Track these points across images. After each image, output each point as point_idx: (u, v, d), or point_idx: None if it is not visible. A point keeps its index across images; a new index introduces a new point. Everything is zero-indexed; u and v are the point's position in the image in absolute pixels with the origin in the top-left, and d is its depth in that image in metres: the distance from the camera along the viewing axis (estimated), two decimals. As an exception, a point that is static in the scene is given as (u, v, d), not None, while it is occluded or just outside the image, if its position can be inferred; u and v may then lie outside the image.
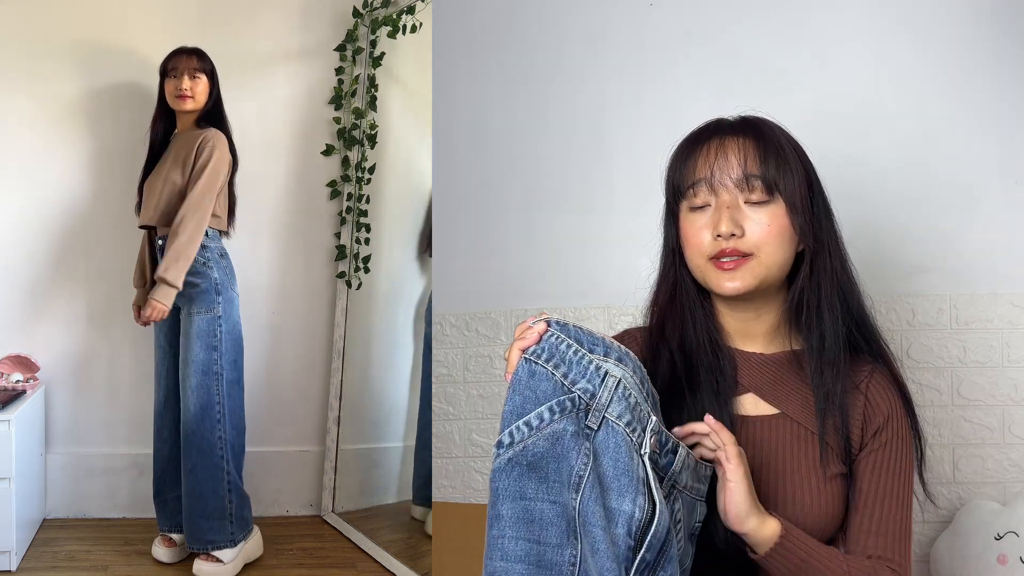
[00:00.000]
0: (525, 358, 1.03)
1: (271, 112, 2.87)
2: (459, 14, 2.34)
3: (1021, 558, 1.90)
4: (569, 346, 1.03)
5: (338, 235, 2.97)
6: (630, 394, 1.01)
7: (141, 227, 2.53)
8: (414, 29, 2.68)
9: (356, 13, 2.89)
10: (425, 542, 2.61)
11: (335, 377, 2.96)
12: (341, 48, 2.92)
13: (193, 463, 2.43)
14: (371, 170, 2.90)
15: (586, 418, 1.01)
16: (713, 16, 2.16)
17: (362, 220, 2.91)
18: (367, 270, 2.93)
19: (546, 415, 1.01)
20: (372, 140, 2.90)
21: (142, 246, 2.57)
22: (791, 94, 2.07)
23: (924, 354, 2.05)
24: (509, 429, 1.02)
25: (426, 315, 2.78)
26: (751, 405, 1.22)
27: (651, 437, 1.01)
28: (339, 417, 2.96)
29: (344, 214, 2.95)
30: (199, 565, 2.42)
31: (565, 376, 1.02)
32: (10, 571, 2.40)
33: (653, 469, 1.00)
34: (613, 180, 2.19)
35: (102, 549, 2.61)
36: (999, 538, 1.92)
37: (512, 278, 2.27)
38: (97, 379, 2.88)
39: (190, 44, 2.67)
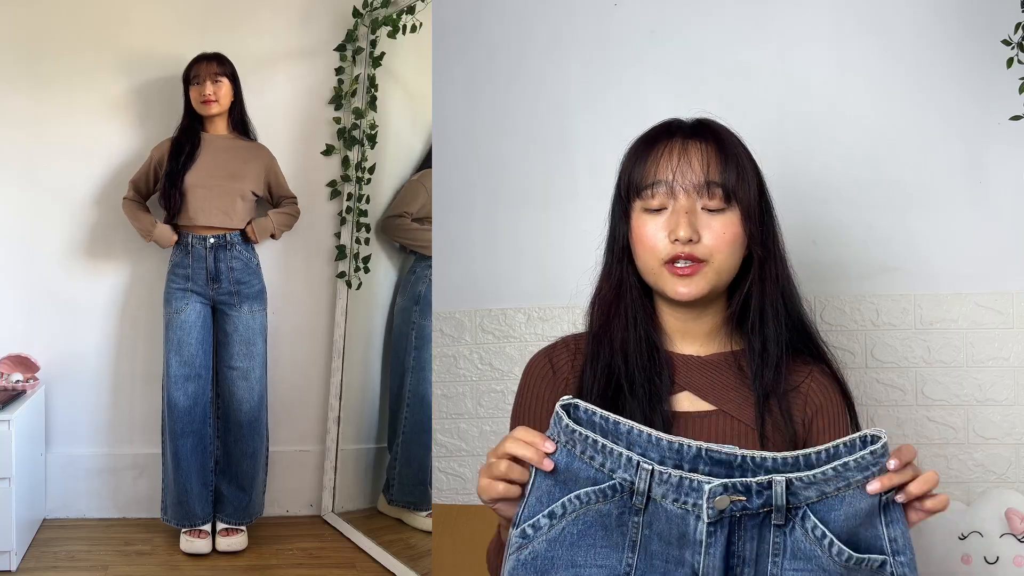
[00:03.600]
0: (562, 446, 1.06)
1: (271, 112, 2.87)
2: (459, 14, 2.34)
3: (985, 558, 1.91)
4: (595, 442, 1.05)
5: (338, 235, 2.97)
6: (667, 476, 1.02)
7: (183, 226, 2.65)
8: (414, 29, 2.68)
9: (356, 13, 2.89)
10: (425, 540, 2.61)
11: (335, 377, 2.96)
12: (341, 48, 2.92)
13: (255, 448, 2.73)
14: (371, 170, 2.90)
15: (631, 499, 1.04)
16: (677, 15, 2.17)
17: (362, 220, 2.91)
18: (367, 270, 2.93)
19: (593, 496, 1.05)
20: (372, 140, 2.90)
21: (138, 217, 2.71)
22: (756, 93, 2.09)
23: (888, 354, 2.06)
24: (562, 500, 1.06)
25: (403, 312, 2.81)
26: (687, 402, 1.23)
27: (712, 501, 1.01)
28: (339, 417, 2.96)
29: (344, 214, 2.95)
30: (229, 540, 2.64)
31: (603, 466, 1.05)
32: (10, 571, 2.40)
33: (727, 520, 1.02)
34: (577, 179, 2.20)
35: (102, 549, 2.61)
36: (963, 538, 1.94)
37: (498, 277, 2.28)
38: (97, 379, 2.88)
39: (190, 44, 2.69)
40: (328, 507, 2.97)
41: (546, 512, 1.06)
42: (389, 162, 2.93)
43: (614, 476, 1.04)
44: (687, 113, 1.26)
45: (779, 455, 1.03)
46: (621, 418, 1.05)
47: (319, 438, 3.01)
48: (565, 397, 1.07)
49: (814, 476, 1.02)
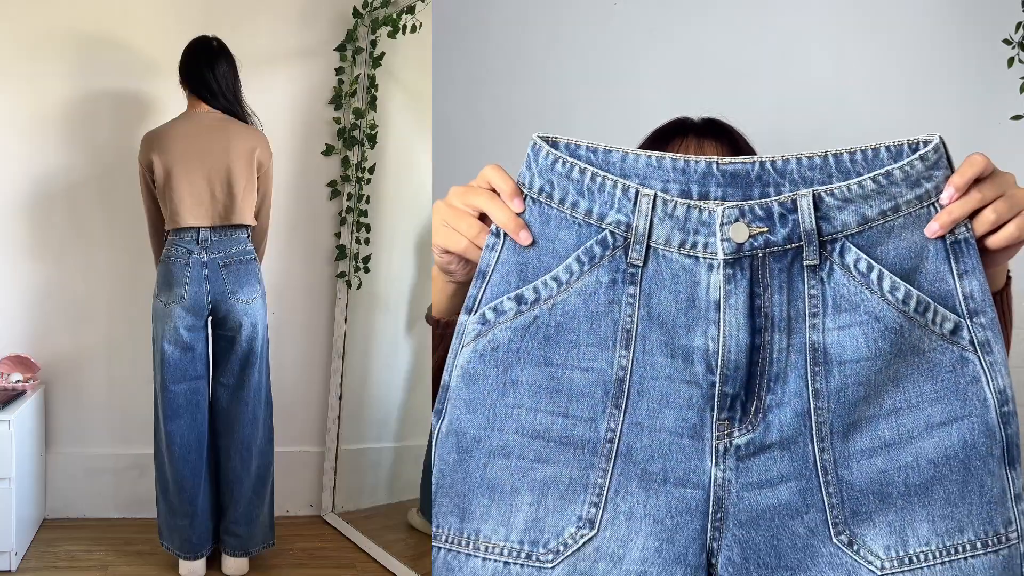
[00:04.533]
0: (531, 198, 0.86)
1: (271, 112, 2.86)
2: (459, 14, 2.34)
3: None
4: (583, 171, 0.85)
5: (338, 235, 2.97)
6: (673, 205, 0.82)
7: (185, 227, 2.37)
8: (414, 29, 2.67)
9: (356, 13, 2.89)
10: (424, 540, 2.60)
11: (335, 377, 2.96)
12: (341, 48, 2.92)
13: (270, 459, 2.53)
14: (371, 170, 2.90)
15: (626, 257, 0.84)
16: (677, 15, 2.18)
17: (362, 220, 2.91)
18: (367, 270, 2.93)
19: (575, 267, 0.85)
20: (372, 140, 2.90)
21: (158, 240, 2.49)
22: (756, 93, 2.10)
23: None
24: (534, 284, 0.85)
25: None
26: None
27: (727, 230, 0.80)
28: (339, 417, 2.96)
29: (344, 214, 2.95)
30: (239, 561, 2.45)
31: (588, 213, 0.85)
32: (10, 571, 2.40)
33: (760, 255, 0.81)
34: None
35: (102, 549, 2.61)
36: None
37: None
38: (97, 379, 2.87)
39: (190, 44, 2.68)
40: (328, 507, 2.97)
41: (513, 294, 0.86)
42: (389, 162, 2.93)
43: (604, 225, 0.84)
44: (689, 112, 1.27)
45: (804, 155, 0.83)
46: (613, 145, 0.87)
47: (319, 438, 3.01)
48: (538, 133, 0.90)
49: (849, 189, 0.82)
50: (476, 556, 0.84)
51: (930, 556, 0.82)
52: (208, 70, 2.43)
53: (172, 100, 2.76)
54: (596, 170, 0.84)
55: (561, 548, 0.83)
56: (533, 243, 0.86)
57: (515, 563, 0.83)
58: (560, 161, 0.86)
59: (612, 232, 0.84)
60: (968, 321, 0.82)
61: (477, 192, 0.89)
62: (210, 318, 2.41)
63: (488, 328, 0.86)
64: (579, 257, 0.85)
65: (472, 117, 2.30)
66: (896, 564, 0.82)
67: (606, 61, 2.20)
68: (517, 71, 2.27)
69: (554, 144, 0.88)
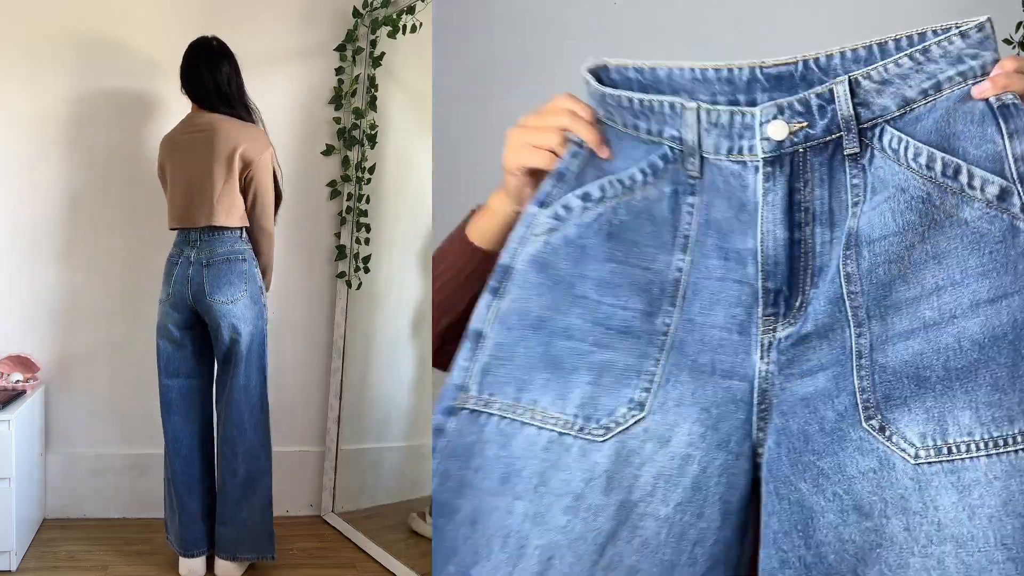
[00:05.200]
0: (600, 121, 0.93)
1: (271, 112, 2.86)
2: (459, 14, 2.34)
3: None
4: (631, 100, 0.90)
5: (338, 235, 2.97)
6: (717, 114, 0.84)
7: (180, 227, 2.40)
8: (414, 29, 2.67)
9: (356, 13, 2.89)
10: (425, 542, 2.60)
11: (335, 377, 2.96)
12: (341, 48, 2.92)
13: (261, 465, 2.48)
14: (371, 170, 2.90)
15: (684, 168, 0.89)
16: (678, 14, 2.17)
17: (362, 220, 2.91)
18: (367, 270, 2.93)
19: (638, 176, 0.91)
20: (372, 140, 2.90)
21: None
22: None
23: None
24: (600, 182, 0.91)
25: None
26: None
27: (766, 128, 0.81)
28: (339, 417, 2.96)
29: (344, 214, 2.95)
30: (227, 565, 2.42)
31: (649, 131, 0.90)
32: (10, 571, 2.40)
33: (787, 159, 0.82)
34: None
35: (102, 549, 2.61)
36: None
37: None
38: (97, 379, 2.87)
39: (190, 44, 2.68)
40: (328, 507, 2.97)
41: (580, 192, 0.93)
42: (389, 162, 2.93)
43: (663, 140, 0.89)
44: None
45: (848, 48, 0.83)
46: (659, 62, 0.89)
47: (319, 438, 3.01)
48: (590, 58, 0.95)
49: (886, 69, 0.80)
50: (532, 424, 0.89)
51: (973, 447, 0.75)
52: (207, 72, 2.43)
53: (173, 101, 2.77)
54: (642, 95, 0.88)
55: (612, 425, 0.87)
56: (610, 156, 0.93)
57: (568, 433, 0.88)
58: (607, 96, 0.91)
59: (671, 147, 0.89)
60: (1018, 186, 0.76)
61: (558, 112, 0.96)
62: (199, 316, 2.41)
63: (560, 224, 0.91)
64: (643, 168, 0.90)
65: (472, 117, 2.30)
66: (933, 453, 0.76)
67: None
68: (517, 71, 2.27)
69: (605, 69, 0.92)
